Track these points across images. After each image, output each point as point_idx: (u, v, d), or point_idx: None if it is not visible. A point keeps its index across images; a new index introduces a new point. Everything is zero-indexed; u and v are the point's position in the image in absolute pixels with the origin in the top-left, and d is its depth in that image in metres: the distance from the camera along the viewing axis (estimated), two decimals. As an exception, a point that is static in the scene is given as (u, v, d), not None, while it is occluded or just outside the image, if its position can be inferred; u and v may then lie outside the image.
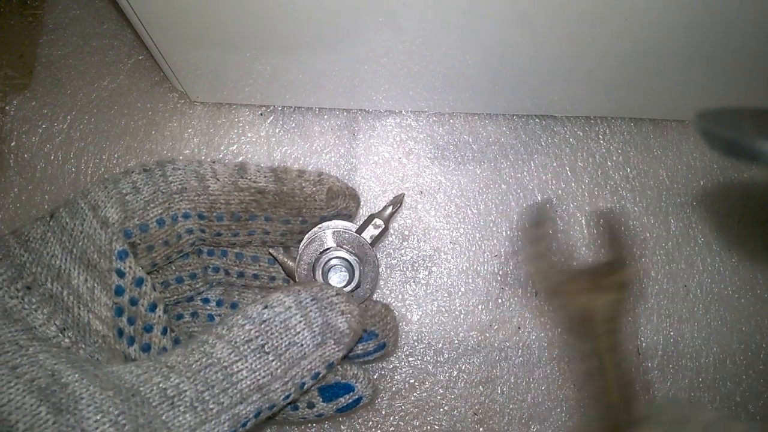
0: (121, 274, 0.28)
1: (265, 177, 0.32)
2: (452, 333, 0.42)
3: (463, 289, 0.43)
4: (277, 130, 0.44)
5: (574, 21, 0.33)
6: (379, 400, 0.41)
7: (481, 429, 0.41)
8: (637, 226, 0.44)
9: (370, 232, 0.35)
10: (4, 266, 0.26)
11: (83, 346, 0.26)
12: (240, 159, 0.44)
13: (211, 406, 0.24)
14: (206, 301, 0.34)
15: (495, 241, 0.43)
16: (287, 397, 0.26)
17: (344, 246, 0.34)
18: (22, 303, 0.26)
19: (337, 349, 0.27)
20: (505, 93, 0.42)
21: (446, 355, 0.42)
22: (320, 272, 0.33)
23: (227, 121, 0.44)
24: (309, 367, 0.26)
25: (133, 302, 0.28)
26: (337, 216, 0.34)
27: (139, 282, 0.28)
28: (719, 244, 0.44)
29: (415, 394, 0.41)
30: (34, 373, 0.23)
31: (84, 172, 0.43)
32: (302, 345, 0.26)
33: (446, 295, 0.42)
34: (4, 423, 0.21)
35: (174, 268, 0.33)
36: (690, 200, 0.44)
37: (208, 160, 0.32)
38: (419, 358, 0.41)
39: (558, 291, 0.38)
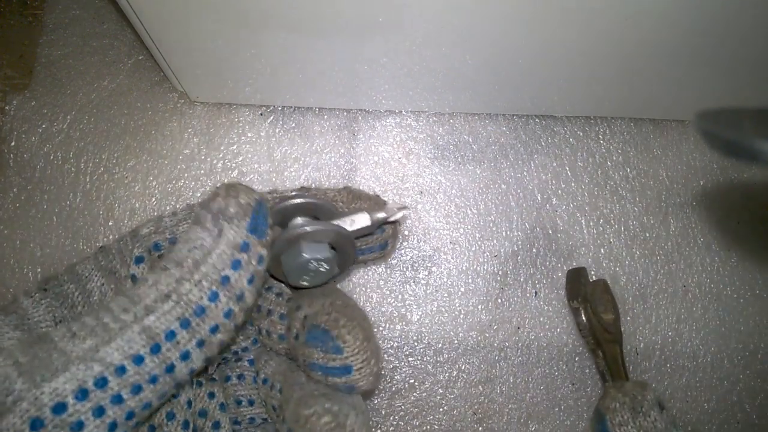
0: (133, 279, 0.28)
1: (292, 192, 0.32)
2: (452, 333, 0.42)
3: (463, 289, 0.43)
4: (277, 130, 0.44)
5: (574, 21, 0.33)
6: (378, 400, 0.41)
7: (480, 428, 0.41)
8: (637, 226, 0.44)
9: (358, 222, 0.30)
10: (44, 280, 0.28)
11: None
12: (239, 159, 0.44)
13: (113, 326, 0.22)
14: (250, 362, 0.34)
15: (495, 241, 0.43)
16: (213, 296, 0.23)
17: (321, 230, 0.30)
18: (34, 300, 0.27)
19: (236, 229, 0.24)
20: (505, 93, 0.42)
21: (446, 355, 0.42)
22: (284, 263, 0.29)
23: (227, 121, 0.44)
24: (218, 258, 0.24)
25: None
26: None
27: None
28: (719, 244, 0.44)
29: (414, 393, 0.41)
30: None
31: (84, 172, 0.43)
32: (203, 245, 0.24)
33: (446, 295, 0.42)
34: None
35: None
36: (690, 200, 0.45)
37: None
38: (419, 358, 0.42)
39: (593, 331, 0.41)
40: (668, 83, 0.40)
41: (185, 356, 0.23)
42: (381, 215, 0.31)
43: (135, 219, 0.43)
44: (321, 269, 0.29)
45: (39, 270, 0.41)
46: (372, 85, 0.41)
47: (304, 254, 0.28)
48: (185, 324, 0.23)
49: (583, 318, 0.41)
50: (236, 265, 0.24)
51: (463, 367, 0.42)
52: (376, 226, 0.31)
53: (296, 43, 0.36)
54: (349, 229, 0.30)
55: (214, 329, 0.24)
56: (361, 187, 0.43)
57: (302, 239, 0.29)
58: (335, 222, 0.30)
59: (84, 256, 0.30)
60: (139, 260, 0.28)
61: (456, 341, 0.42)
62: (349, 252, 0.30)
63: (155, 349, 0.22)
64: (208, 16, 0.34)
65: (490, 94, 0.42)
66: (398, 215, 0.32)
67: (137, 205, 0.43)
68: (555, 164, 0.44)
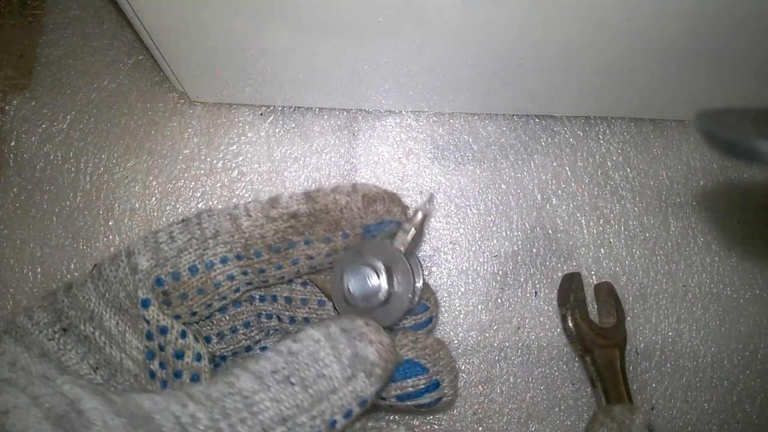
0: (146, 321, 0.28)
1: (296, 201, 0.30)
2: (452, 333, 0.42)
3: (463, 289, 0.43)
4: (277, 130, 0.44)
5: (574, 21, 0.33)
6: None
7: (480, 428, 0.41)
8: (637, 226, 0.44)
9: (400, 239, 0.31)
10: (47, 311, 0.28)
11: (115, 384, 0.27)
12: (239, 159, 0.44)
13: None
14: (264, 349, 0.33)
15: (495, 241, 0.43)
16: None
17: (374, 256, 0.30)
18: (58, 344, 0.27)
19: (368, 383, 0.25)
20: (505, 93, 0.42)
21: (446, 355, 0.42)
22: (345, 282, 0.30)
23: (227, 121, 0.44)
24: (339, 402, 0.24)
25: (162, 348, 0.28)
26: (382, 224, 0.31)
27: (163, 330, 0.28)
28: (719, 244, 0.44)
29: (414, 393, 0.41)
30: (54, 402, 0.23)
31: (83, 172, 0.43)
32: (331, 378, 0.25)
33: (446, 295, 0.42)
34: None
35: (228, 318, 0.33)
36: (690, 200, 0.45)
37: (244, 202, 0.31)
38: (419, 357, 0.42)
39: (581, 337, 0.41)
40: (668, 83, 0.40)
41: None
42: (418, 217, 0.32)
43: (135, 219, 0.43)
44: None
45: (39, 270, 0.41)
46: (372, 85, 0.41)
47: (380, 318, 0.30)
48: None
49: (570, 324, 0.41)
50: (348, 414, 0.25)
51: (463, 367, 0.42)
52: (421, 229, 0.32)
53: (296, 43, 0.36)
54: (403, 249, 0.31)
55: None
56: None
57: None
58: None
59: (80, 278, 0.29)
60: (145, 304, 0.28)
61: (456, 341, 0.42)
62: (408, 275, 0.31)
63: None
64: (208, 16, 0.34)
65: (490, 94, 0.42)
66: (428, 206, 0.32)
67: (137, 205, 0.43)
68: (555, 164, 0.44)
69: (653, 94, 0.42)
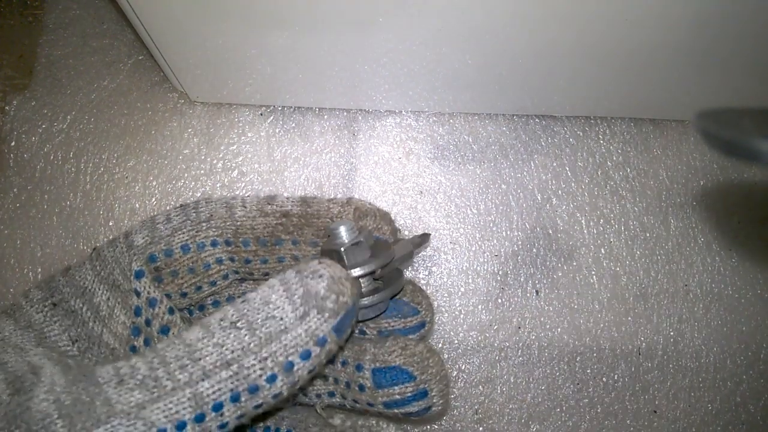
0: (137, 294, 0.28)
1: (291, 203, 0.31)
2: (452, 333, 0.42)
3: (463, 289, 0.43)
4: (277, 130, 0.44)
5: (574, 21, 0.33)
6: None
7: (480, 429, 0.41)
8: (637, 226, 0.44)
9: (400, 250, 0.31)
10: (42, 289, 0.29)
11: (90, 356, 0.27)
12: (239, 159, 0.44)
13: (165, 383, 0.21)
14: None
15: (495, 241, 0.43)
16: (271, 378, 0.23)
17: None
18: (45, 316, 0.28)
19: (322, 319, 0.23)
20: (505, 93, 0.42)
21: (446, 355, 0.42)
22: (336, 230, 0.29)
23: (227, 121, 0.44)
24: (293, 342, 0.23)
25: (147, 323, 0.29)
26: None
27: (152, 302, 0.28)
28: (719, 244, 0.44)
29: (415, 394, 0.41)
30: (17, 367, 0.23)
31: (84, 172, 0.43)
32: (282, 319, 0.23)
33: (446, 295, 0.42)
34: None
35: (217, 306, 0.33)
36: (690, 200, 0.44)
37: (242, 194, 0.32)
38: (419, 358, 0.41)
39: None
40: (668, 83, 0.40)
41: (223, 426, 0.23)
42: (416, 240, 0.32)
43: (135, 219, 0.43)
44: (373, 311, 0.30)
45: (39, 270, 0.42)
46: (372, 85, 0.41)
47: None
48: (235, 398, 0.22)
49: None
50: (306, 355, 0.23)
51: (463, 367, 0.41)
52: (417, 250, 0.32)
53: (296, 42, 0.36)
54: (395, 257, 0.30)
55: (258, 406, 0.23)
56: (361, 187, 0.43)
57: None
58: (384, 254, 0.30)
59: (79, 260, 0.30)
60: (139, 275, 0.28)
61: (456, 341, 0.42)
62: (397, 283, 0.31)
63: (199, 418, 0.22)
64: (208, 16, 0.34)
65: (490, 94, 0.42)
66: (425, 242, 0.33)
67: (137, 205, 0.43)
68: (555, 164, 0.44)
69: (653, 94, 0.42)
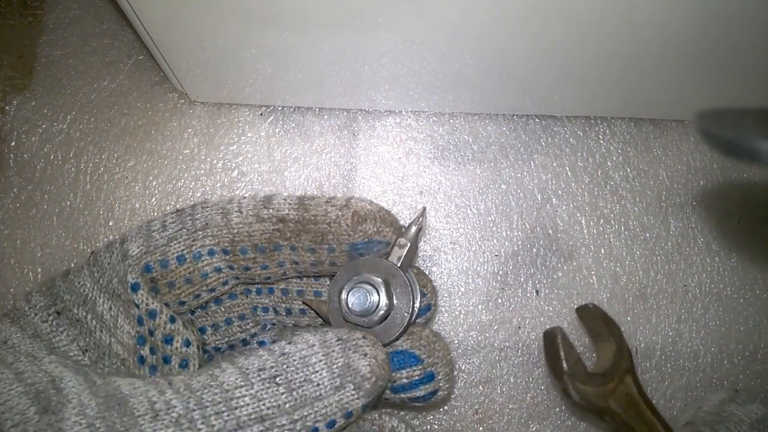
0: (136, 306, 0.28)
1: (288, 205, 0.30)
2: (452, 333, 0.42)
3: (463, 289, 0.43)
4: (277, 130, 0.44)
5: (574, 21, 0.33)
6: (379, 399, 0.41)
7: (480, 428, 0.41)
8: (637, 226, 0.44)
9: (396, 254, 0.31)
10: (44, 295, 0.28)
11: (102, 366, 0.27)
12: (239, 159, 0.44)
13: (200, 426, 0.22)
14: (263, 344, 0.33)
15: (495, 241, 0.43)
16: None
17: (371, 272, 0.30)
18: (50, 326, 0.27)
19: (356, 396, 0.24)
20: (505, 93, 0.42)
21: (446, 355, 0.42)
22: (344, 300, 0.30)
23: (227, 121, 0.44)
24: (323, 411, 0.24)
25: (151, 333, 0.28)
26: (370, 244, 0.30)
27: (152, 314, 0.28)
28: (719, 244, 0.44)
29: (415, 393, 0.41)
30: (36, 378, 0.23)
31: (84, 172, 0.43)
32: (318, 385, 0.24)
33: (446, 295, 0.42)
34: None
35: (223, 309, 0.33)
36: (690, 200, 0.45)
37: (240, 195, 0.31)
38: (419, 357, 0.41)
39: (591, 401, 0.36)
40: (668, 83, 0.40)
41: None
42: (412, 231, 0.31)
43: (135, 219, 0.43)
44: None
45: (39, 270, 0.42)
46: (372, 85, 0.41)
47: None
48: None
49: (575, 396, 0.36)
50: (331, 424, 0.24)
51: (463, 367, 0.42)
52: (416, 243, 0.32)
53: (296, 42, 0.36)
54: (399, 264, 0.30)
55: None
56: (361, 187, 0.43)
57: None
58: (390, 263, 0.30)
59: (77, 265, 0.30)
60: (135, 288, 0.28)
61: (456, 341, 0.42)
62: (407, 286, 0.31)
63: None
64: (208, 16, 0.34)
65: (490, 94, 0.42)
66: (422, 220, 0.32)
67: (137, 205, 0.43)
68: (555, 164, 0.44)
69: (653, 94, 0.42)
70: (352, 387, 0.24)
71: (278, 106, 0.44)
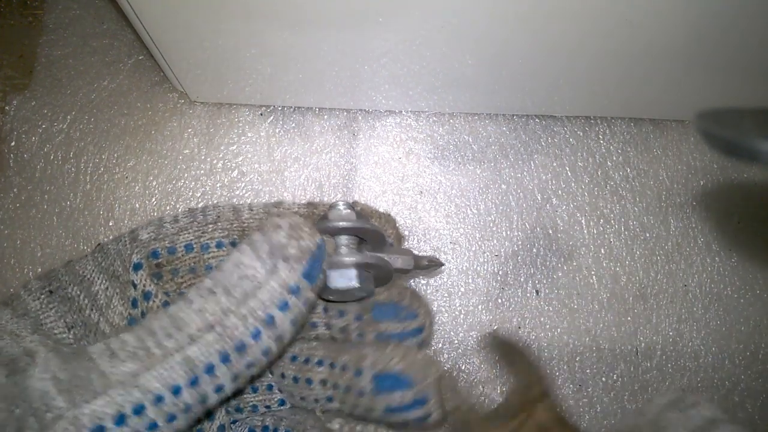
0: (134, 286, 0.28)
1: (297, 206, 0.31)
2: (452, 333, 0.42)
3: (463, 289, 0.43)
4: (277, 130, 0.44)
5: (575, 21, 0.33)
6: (379, 400, 0.41)
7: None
8: (637, 226, 0.44)
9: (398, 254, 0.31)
10: (42, 280, 0.29)
11: (85, 343, 0.27)
12: (239, 159, 0.44)
13: (155, 351, 0.22)
14: None
15: (495, 241, 0.43)
16: (256, 334, 0.23)
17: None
18: (41, 303, 0.28)
19: (290, 268, 0.24)
20: (505, 93, 0.42)
21: (446, 355, 0.42)
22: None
23: (227, 121, 0.44)
24: (268, 296, 0.24)
25: (143, 315, 0.29)
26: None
27: (147, 295, 0.29)
28: (719, 244, 0.44)
29: (415, 394, 0.41)
30: (13, 350, 0.24)
31: (84, 172, 0.43)
32: (254, 277, 0.24)
33: (446, 295, 0.42)
34: None
35: None
36: (690, 200, 0.44)
37: (243, 194, 0.33)
38: (419, 358, 0.42)
39: None
40: (668, 83, 0.40)
41: (219, 389, 0.23)
42: (424, 261, 0.32)
43: (135, 219, 0.43)
44: (356, 294, 0.30)
45: (39, 270, 0.42)
46: (372, 85, 0.41)
47: (350, 282, 0.29)
48: (225, 358, 0.23)
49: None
50: (284, 306, 0.24)
51: (463, 367, 0.42)
52: (413, 268, 0.32)
53: (296, 42, 0.36)
54: (394, 266, 0.30)
55: (250, 365, 0.24)
56: (361, 187, 0.43)
57: (339, 266, 0.29)
58: (382, 256, 0.30)
59: (82, 254, 0.31)
60: (137, 267, 0.29)
61: (456, 341, 0.42)
62: (386, 272, 0.31)
63: (193, 382, 0.22)
64: (208, 16, 0.34)
65: (490, 94, 0.42)
66: (433, 267, 0.32)
67: (137, 205, 0.43)
68: (555, 164, 0.44)
69: (653, 94, 0.42)
70: (282, 262, 0.24)
71: (278, 106, 0.44)
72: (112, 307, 0.28)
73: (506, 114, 0.45)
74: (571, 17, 0.33)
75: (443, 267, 0.33)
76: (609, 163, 0.45)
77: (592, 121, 0.45)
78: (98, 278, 0.29)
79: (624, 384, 0.42)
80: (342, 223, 0.29)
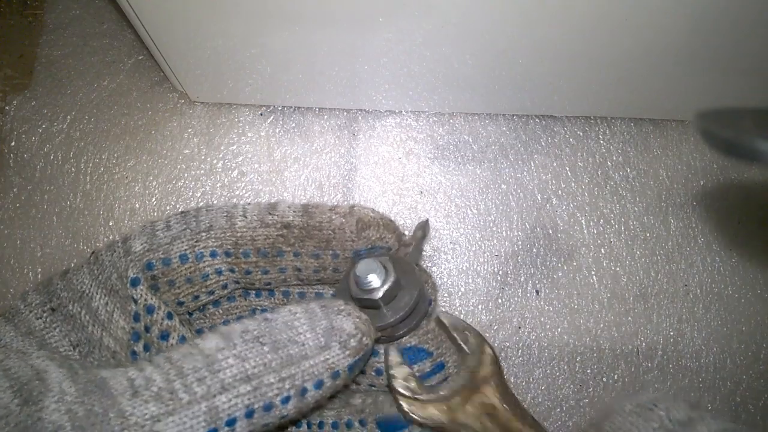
0: (134, 301, 0.28)
1: (293, 212, 0.31)
2: (452, 333, 0.42)
3: (463, 289, 0.43)
4: (277, 130, 0.44)
5: (574, 21, 0.33)
6: (379, 400, 0.41)
7: (481, 429, 0.41)
8: (638, 226, 0.44)
9: (402, 252, 0.31)
10: (40, 293, 0.29)
11: (91, 359, 0.27)
12: (239, 159, 0.44)
13: (182, 396, 0.21)
14: None
15: (495, 241, 0.43)
16: (286, 400, 0.23)
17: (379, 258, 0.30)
18: (44, 322, 0.27)
19: (342, 355, 0.24)
20: (505, 93, 0.42)
21: (446, 355, 0.42)
22: (353, 272, 0.29)
23: (227, 121, 0.44)
24: (311, 370, 0.24)
25: (147, 329, 0.28)
26: (373, 250, 0.31)
27: (150, 309, 0.28)
28: (719, 244, 0.44)
29: (415, 394, 0.41)
30: (22, 372, 0.23)
31: (83, 172, 0.43)
32: (304, 344, 0.24)
33: (446, 295, 0.42)
34: None
35: (221, 311, 0.33)
36: (690, 200, 0.44)
37: (243, 202, 0.33)
38: (419, 358, 0.41)
39: (435, 420, 0.31)
40: (668, 83, 0.40)
41: None
42: (418, 233, 0.32)
43: (135, 219, 0.43)
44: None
45: (39, 270, 0.42)
46: (372, 85, 0.41)
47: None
48: (249, 414, 0.22)
49: (415, 416, 0.30)
50: (319, 384, 0.24)
51: (463, 368, 0.42)
52: (420, 245, 0.32)
53: (296, 43, 0.36)
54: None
55: (266, 425, 0.23)
56: (361, 188, 0.43)
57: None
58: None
59: (76, 264, 0.30)
60: (135, 283, 0.28)
61: (456, 341, 0.42)
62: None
63: None
64: (208, 16, 0.34)
65: (490, 94, 0.42)
66: (426, 228, 0.33)
67: (137, 205, 0.43)
68: (555, 164, 0.44)
69: (653, 94, 0.42)
70: (337, 346, 0.24)
71: (278, 106, 0.44)
72: (113, 321, 0.28)
73: (506, 114, 0.45)
74: (571, 17, 0.33)
75: (428, 221, 0.33)
76: (609, 163, 0.45)
77: (592, 121, 0.45)
78: (96, 293, 0.28)
79: (625, 384, 0.42)
80: (399, 315, 0.29)
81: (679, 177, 0.45)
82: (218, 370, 0.22)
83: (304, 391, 0.24)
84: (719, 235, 0.44)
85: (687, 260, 0.44)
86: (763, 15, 0.32)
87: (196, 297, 0.31)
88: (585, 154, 0.45)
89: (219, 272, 0.30)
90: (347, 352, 0.25)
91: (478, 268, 0.43)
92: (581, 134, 0.45)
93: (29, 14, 0.46)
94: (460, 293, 0.42)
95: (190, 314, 0.33)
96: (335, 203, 0.33)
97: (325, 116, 0.44)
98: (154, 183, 0.43)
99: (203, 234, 0.30)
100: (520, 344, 0.42)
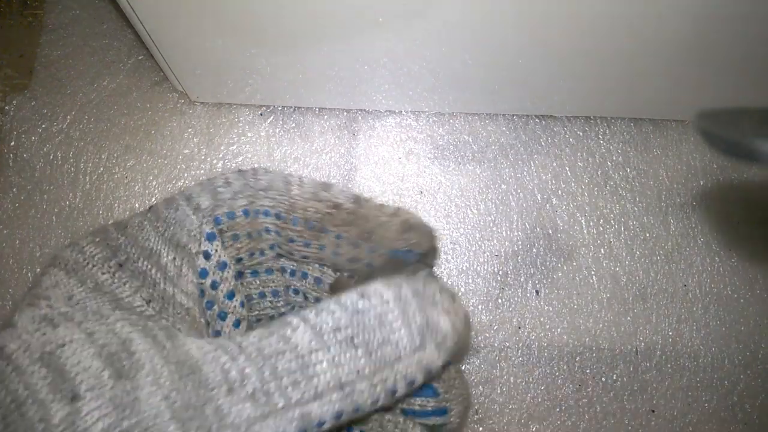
0: (207, 256, 0.28)
1: (345, 197, 0.31)
2: (452, 333, 0.42)
3: (463, 289, 0.43)
4: (277, 130, 0.44)
5: (575, 21, 0.33)
6: (378, 400, 0.41)
7: (480, 429, 0.41)
8: (637, 226, 0.44)
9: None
10: (101, 247, 0.28)
11: (166, 316, 0.27)
12: (239, 159, 0.44)
13: (276, 400, 0.21)
14: None
15: (495, 241, 0.43)
16: (375, 402, 0.22)
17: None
18: (112, 278, 0.27)
19: (437, 355, 0.23)
20: (505, 93, 0.42)
21: (446, 355, 0.42)
22: None
23: (227, 121, 0.44)
24: (404, 371, 0.23)
25: (214, 286, 0.28)
26: (409, 253, 0.31)
27: (223, 266, 0.29)
28: (719, 244, 0.44)
29: (414, 394, 0.41)
30: (107, 340, 0.23)
31: (83, 172, 0.43)
32: (398, 346, 0.23)
33: (446, 295, 0.42)
34: (70, 382, 0.21)
35: (258, 282, 0.33)
36: (690, 200, 0.45)
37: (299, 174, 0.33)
38: (419, 358, 0.41)
39: None
40: (668, 83, 0.40)
41: None
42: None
43: (135, 219, 0.43)
44: None
45: (38, 270, 0.41)
46: (372, 85, 0.41)
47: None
48: (338, 417, 0.22)
49: None
50: (411, 384, 0.23)
51: (463, 367, 0.42)
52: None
53: (296, 43, 0.36)
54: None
55: (356, 411, 0.23)
56: (361, 188, 0.43)
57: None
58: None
59: (133, 219, 0.30)
60: (211, 237, 0.28)
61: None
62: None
63: None
64: (208, 16, 0.34)
65: (490, 94, 0.42)
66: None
67: (137, 205, 0.43)
68: (555, 164, 0.44)
69: (653, 94, 0.42)
70: (433, 346, 0.23)
71: (278, 106, 0.44)
72: (182, 276, 0.28)
73: (506, 114, 0.45)
74: (571, 17, 0.33)
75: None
76: (609, 163, 0.45)
77: (592, 121, 0.45)
78: (164, 250, 0.28)
79: (623, 384, 0.42)
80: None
81: (678, 177, 0.45)
82: (312, 375, 0.22)
83: (393, 390, 0.23)
84: (719, 235, 0.44)
85: (686, 260, 0.44)
86: (764, 15, 0.32)
87: (252, 254, 0.31)
88: (585, 154, 0.45)
89: (268, 231, 0.30)
90: (442, 352, 0.24)
91: (478, 268, 0.43)
92: (581, 134, 0.45)
93: (29, 14, 0.46)
94: (460, 293, 0.42)
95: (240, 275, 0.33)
96: (383, 202, 0.33)
97: (325, 116, 0.44)
98: (154, 183, 0.43)
99: (261, 192, 0.30)
100: (520, 344, 0.42)
